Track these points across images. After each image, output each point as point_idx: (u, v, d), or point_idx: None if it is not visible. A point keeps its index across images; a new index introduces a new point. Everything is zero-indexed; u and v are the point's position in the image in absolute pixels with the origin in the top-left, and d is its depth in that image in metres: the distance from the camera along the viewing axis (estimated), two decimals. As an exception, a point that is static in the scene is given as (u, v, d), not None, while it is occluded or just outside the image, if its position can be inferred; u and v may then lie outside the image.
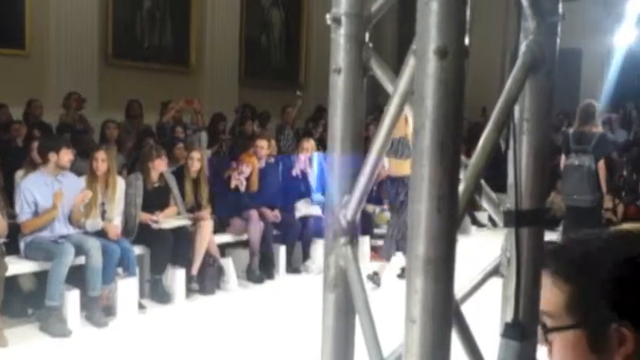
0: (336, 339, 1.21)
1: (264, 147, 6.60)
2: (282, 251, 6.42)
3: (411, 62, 0.98)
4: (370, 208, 7.26)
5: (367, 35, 1.16)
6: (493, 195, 1.17)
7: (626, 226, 1.03)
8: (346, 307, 1.19)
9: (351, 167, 1.17)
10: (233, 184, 6.09)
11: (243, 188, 6.18)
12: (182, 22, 8.72)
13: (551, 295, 1.00)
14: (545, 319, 1.00)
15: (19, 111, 6.89)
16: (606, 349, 0.93)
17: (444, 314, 0.90)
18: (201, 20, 8.87)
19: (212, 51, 8.95)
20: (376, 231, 7.18)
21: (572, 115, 11.41)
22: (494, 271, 1.18)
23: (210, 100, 8.65)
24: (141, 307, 5.18)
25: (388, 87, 1.14)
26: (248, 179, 6.24)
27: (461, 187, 1.02)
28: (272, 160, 6.73)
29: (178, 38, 8.78)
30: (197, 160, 5.84)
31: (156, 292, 5.41)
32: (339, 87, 1.16)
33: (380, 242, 6.55)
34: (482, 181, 1.16)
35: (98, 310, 4.81)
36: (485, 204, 1.17)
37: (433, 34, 0.85)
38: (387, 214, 6.89)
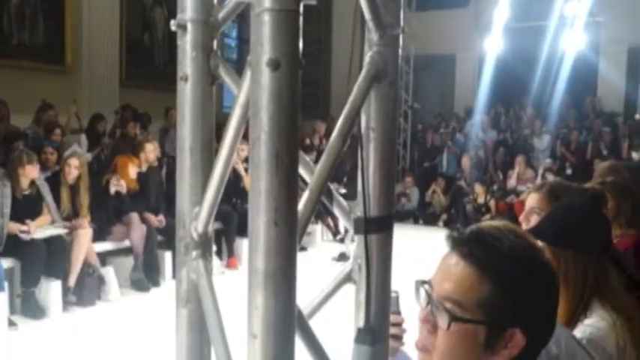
0: (191, 355, 1.18)
1: (152, 150, 6.40)
2: (167, 257, 6.23)
3: (248, 74, 0.96)
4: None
5: (215, 43, 1.14)
6: (344, 203, 1.18)
7: (495, 223, 1.05)
8: (200, 322, 1.16)
9: (202, 178, 1.14)
10: (112, 189, 5.82)
11: (124, 191, 5.93)
12: (55, 19, 8.20)
13: (463, 283, 0.96)
14: (451, 306, 0.96)
15: None
16: (495, 348, 0.96)
17: (285, 328, 0.89)
18: (77, 18, 8.38)
19: (90, 50, 8.49)
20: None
21: (448, 117, 12.15)
22: (347, 278, 1.20)
23: (89, 100, 8.21)
24: (11, 324, 4.81)
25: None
26: (129, 182, 6.00)
27: (305, 197, 1.02)
28: (155, 163, 6.52)
29: (52, 35, 8.25)
30: (74, 168, 5.52)
31: (28, 306, 5.05)
32: (186, 95, 1.12)
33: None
34: (334, 189, 1.17)
35: (-40, 331, 4.42)
36: (336, 211, 1.18)
37: (265, 45, 0.84)
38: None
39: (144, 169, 6.37)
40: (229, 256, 6.91)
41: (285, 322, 0.88)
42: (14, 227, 5.04)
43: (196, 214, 1.14)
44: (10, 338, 4.62)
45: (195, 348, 1.17)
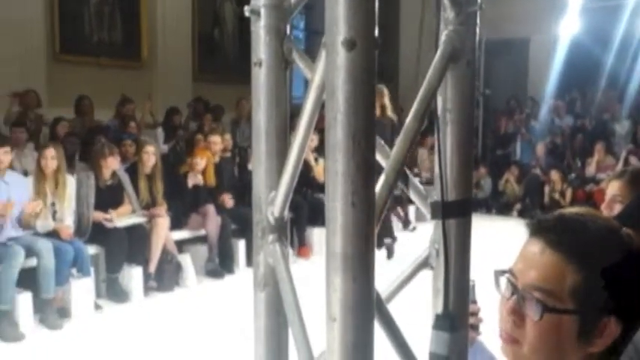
0: (269, 339, 1.19)
1: (218, 142, 6.53)
2: (241, 245, 6.38)
3: (323, 55, 0.96)
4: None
5: (288, 27, 1.14)
6: (420, 187, 1.16)
7: (576, 209, 1.00)
8: (277, 305, 1.17)
9: (277, 162, 1.15)
10: (190, 183, 6.01)
11: (200, 183, 6.11)
12: (132, 17, 8.53)
13: (551, 271, 0.92)
14: (541, 296, 0.92)
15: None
16: (589, 337, 0.92)
17: (364, 311, 0.89)
18: (152, 15, 8.68)
19: (164, 45, 8.78)
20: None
21: (521, 103, 11.73)
22: (424, 264, 1.18)
23: (164, 95, 8.49)
24: (97, 307, 5.07)
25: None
26: (203, 173, 6.16)
27: (381, 180, 1.01)
28: (228, 154, 6.66)
29: (129, 33, 8.59)
30: (152, 155, 5.73)
31: (112, 291, 5.30)
32: (261, 80, 1.13)
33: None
34: (409, 173, 1.15)
35: (52, 313, 4.69)
36: (412, 196, 1.16)
37: (340, 25, 0.83)
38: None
39: (216, 159, 6.53)
40: (300, 245, 6.98)
41: (364, 305, 0.87)
42: (98, 216, 5.31)
43: (272, 199, 1.15)
44: (97, 320, 4.87)
45: (273, 331, 1.18)
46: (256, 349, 1.21)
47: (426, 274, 1.21)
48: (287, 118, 1.16)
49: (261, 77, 1.13)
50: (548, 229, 0.95)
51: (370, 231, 0.87)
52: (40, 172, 5.02)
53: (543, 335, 0.92)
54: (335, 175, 0.85)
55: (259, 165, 1.16)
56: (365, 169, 0.85)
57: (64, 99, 7.23)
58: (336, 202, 0.86)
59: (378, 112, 5.33)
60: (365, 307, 0.88)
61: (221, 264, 6.12)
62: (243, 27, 9.57)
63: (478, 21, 1.09)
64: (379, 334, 1.03)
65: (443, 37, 1.08)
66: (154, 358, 4.10)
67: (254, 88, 1.15)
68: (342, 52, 0.83)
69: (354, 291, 0.86)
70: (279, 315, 1.18)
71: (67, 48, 7.92)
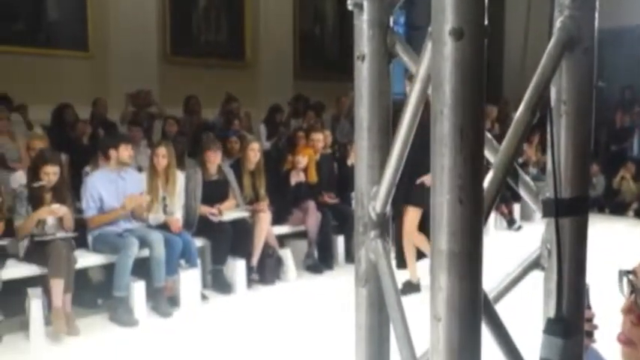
0: (370, 335, 1.18)
1: (320, 139, 6.60)
2: (340, 241, 6.42)
3: (428, 46, 0.92)
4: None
5: (391, 20, 1.12)
6: (531, 183, 1.10)
7: None
8: (379, 302, 1.16)
9: (380, 157, 1.13)
10: (293, 181, 6.13)
11: (302, 180, 6.22)
12: (236, 18, 8.84)
13: None
14: None
15: (85, 110, 7.18)
16: None
17: (471, 311, 0.85)
18: (255, 14, 8.96)
19: (266, 44, 9.03)
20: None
21: (638, 94, 10.87)
22: (535, 264, 1.11)
23: (266, 92, 8.73)
24: (203, 297, 5.30)
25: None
26: (305, 171, 6.26)
27: (489, 176, 0.96)
28: (328, 150, 6.72)
29: (233, 33, 8.92)
30: (257, 152, 5.90)
31: (217, 282, 5.52)
32: (363, 74, 1.12)
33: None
34: (519, 168, 1.09)
35: (163, 301, 4.95)
36: (522, 193, 1.10)
37: (448, 13, 0.80)
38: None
39: (317, 156, 6.60)
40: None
41: (471, 305, 0.84)
42: (205, 210, 5.54)
43: (374, 194, 1.13)
44: (203, 310, 5.10)
45: (375, 328, 1.17)
46: (357, 345, 1.20)
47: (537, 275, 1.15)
48: (389, 112, 1.15)
49: (363, 71, 1.12)
50: None
51: (479, 228, 0.83)
52: (153, 169, 5.33)
53: None
54: (441, 170, 0.83)
55: (361, 160, 1.15)
56: (473, 164, 0.82)
57: (173, 98, 7.64)
58: (443, 197, 0.83)
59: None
60: (472, 308, 0.84)
61: (320, 259, 6.19)
62: (344, 23, 9.63)
63: (597, 5, 1.01)
64: (484, 336, 0.98)
65: (557, 24, 1.01)
66: (255, 349, 4.22)
67: (356, 82, 1.14)
68: (450, 41, 0.80)
69: (461, 290, 0.83)
70: (380, 311, 1.16)
71: (177, 50, 8.35)
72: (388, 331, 1.17)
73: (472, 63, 0.80)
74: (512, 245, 6.83)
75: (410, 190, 4.78)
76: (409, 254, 5.23)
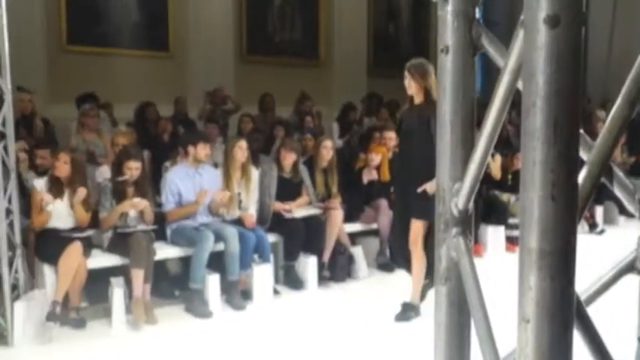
0: (450, 334, 1.15)
1: (392, 137, 6.53)
2: (412, 241, 6.33)
3: (520, 35, 0.89)
4: (505, 196, 6.93)
5: (477, 11, 1.08)
6: (627, 181, 1.04)
7: None
8: (460, 301, 1.13)
9: (463, 153, 1.10)
10: (366, 179, 6.10)
11: (375, 179, 6.19)
12: (311, 16, 8.92)
13: None
14: None
15: (165, 108, 7.46)
16: None
17: (562, 313, 0.81)
18: (329, 12, 9.00)
19: (340, 42, 9.05)
20: (511, 221, 6.83)
21: None
22: (629, 268, 1.05)
23: (340, 90, 8.75)
24: (276, 292, 5.37)
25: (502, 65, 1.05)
26: (378, 169, 6.22)
27: (584, 172, 0.91)
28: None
29: (307, 32, 9.00)
30: (330, 149, 5.92)
31: (289, 278, 5.58)
32: (447, 68, 1.09)
33: (516, 233, 6.22)
34: (614, 166, 1.03)
35: (237, 294, 5.05)
36: (616, 191, 1.04)
37: (543, 1, 0.76)
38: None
39: (390, 155, 6.54)
40: (474, 242, 6.75)
41: (562, 307, 0.80)
42: (279, 206, 5.62)
43: (457, 190, 1.10)
44: (275, 304, 5.17)
45: (455, 327, 1.14)
46: (436, 343, 1.17)
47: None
48: (474, 106, 1.11)
49: (447, 64, 1.09)
50: None
51: (572, 226, 0.79)
52: (229, 165, 5.45)
53: None
54: (532, 164, 0.79)
55: (444, 155, 1.12)
56: (567, 159, 0.78)
57: (249, 96, 7.80)
58: (533, 193, 0.79)
59: (420, 96, 4.38)
60: (563, 309, 0.80)
61: (392, 258, 6.13)
62: (418, 19, 9.51)
63: None
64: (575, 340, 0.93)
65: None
66: (325, 345, 4.23)
67: (439, 75, 1.11)
68: (544, 29, 0.76)
69: (552, 291, 0.79)
70: (461, 311, 1.13)
71: (252, 49, 8.52)
72: (469, 332, 1.14)
73: (568, 52, 0.76)
74: (595, 249, 6.48)
75: (413, 200, 4.38)
76: (416, 272, 4.63)
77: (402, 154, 4.80)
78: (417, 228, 4.48)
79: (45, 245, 4.61)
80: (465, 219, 1.12)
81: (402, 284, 5.64)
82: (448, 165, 1.12)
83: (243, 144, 5.38)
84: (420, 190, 4.28)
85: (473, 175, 1.06)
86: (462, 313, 1.13)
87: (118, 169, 4.90)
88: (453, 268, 1.12)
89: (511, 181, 6.91)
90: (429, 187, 4.15)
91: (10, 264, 4.21)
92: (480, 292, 1.06)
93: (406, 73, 4.46)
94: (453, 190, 1.11)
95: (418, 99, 4.44)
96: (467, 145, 1.09)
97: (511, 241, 6.65)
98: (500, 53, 1.06)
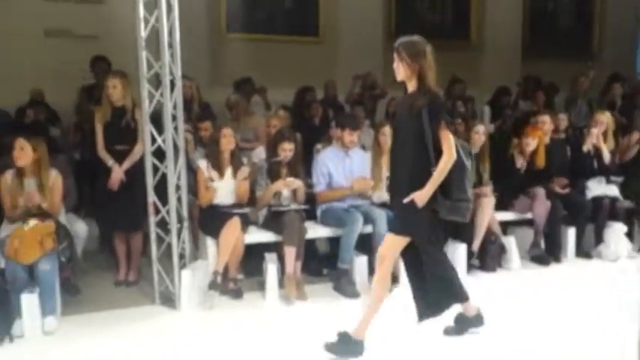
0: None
1: (547, 122, 6.14)
2: (570, 233, 5.94)
3: None
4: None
5: None
6: None
7: None
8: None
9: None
10: (519, 164, 5.81)
11: (528, 164, 5.87)
12: (462, -1, 8.62)
13: None
14: None
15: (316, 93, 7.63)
16: None
17: None
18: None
19: (493, 23, 8.64)
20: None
21: None
22: None
23: (491, 73, 8.38)
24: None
25: None
26: (533, 155, 5.89)
27: None
28: (561, 135, 6.22)
29: (458, 14, 8.71)
30: (482, 135, 5.70)
31: (435, 264, 5.47)
32: None
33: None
34: None
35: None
36: None
37: None
38: None
39: (547, 140, 6.16)
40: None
41: None
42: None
43: None
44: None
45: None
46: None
47: None
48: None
49: None
50: None
51: None
52: (377, 148, 5.45)
53: None
54: None
55: None
56: None
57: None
58: None
59: (412, 83, 3.43)
60: None
61: (547, 250, 5.81)
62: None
63: None
64: None
65: None
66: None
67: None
68: None
69: None
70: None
71: (401, 32, 8.41)
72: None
73: None
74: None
75: (396, 211, 3.67)
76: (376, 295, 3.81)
77: (390, 154, 3.87)
78: (394, 243, 3.63)
79: (208, 219, 4.94)
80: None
81: (557, 279, 5.31)
82: None
83: (386, 130, 5.34)
84: (406, 200, 3.43)
85: None
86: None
87: (273, 150, 5.10)
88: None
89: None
90: (418, 197, 3.40)
91: (178, 235, 4.56)
92: None
93: (394, 55, 3.61)
94: None
95: (410, 86, 3.55)
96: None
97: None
98: None
